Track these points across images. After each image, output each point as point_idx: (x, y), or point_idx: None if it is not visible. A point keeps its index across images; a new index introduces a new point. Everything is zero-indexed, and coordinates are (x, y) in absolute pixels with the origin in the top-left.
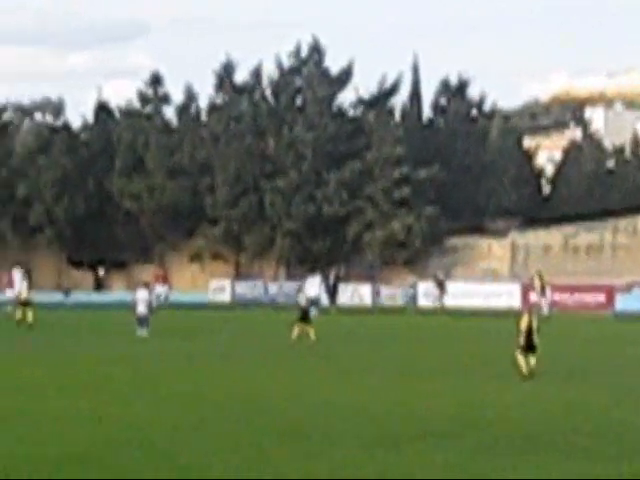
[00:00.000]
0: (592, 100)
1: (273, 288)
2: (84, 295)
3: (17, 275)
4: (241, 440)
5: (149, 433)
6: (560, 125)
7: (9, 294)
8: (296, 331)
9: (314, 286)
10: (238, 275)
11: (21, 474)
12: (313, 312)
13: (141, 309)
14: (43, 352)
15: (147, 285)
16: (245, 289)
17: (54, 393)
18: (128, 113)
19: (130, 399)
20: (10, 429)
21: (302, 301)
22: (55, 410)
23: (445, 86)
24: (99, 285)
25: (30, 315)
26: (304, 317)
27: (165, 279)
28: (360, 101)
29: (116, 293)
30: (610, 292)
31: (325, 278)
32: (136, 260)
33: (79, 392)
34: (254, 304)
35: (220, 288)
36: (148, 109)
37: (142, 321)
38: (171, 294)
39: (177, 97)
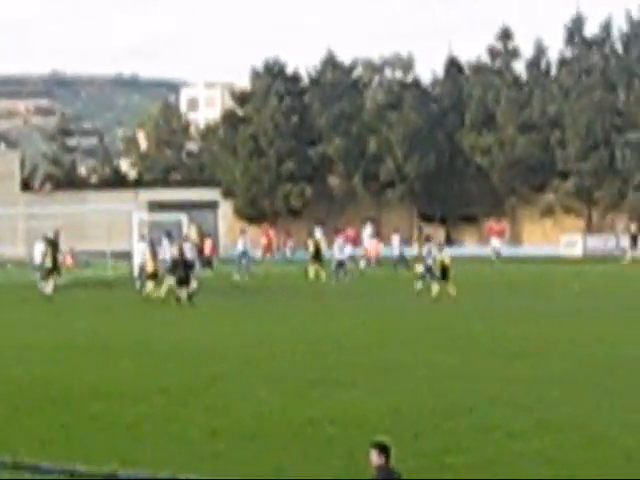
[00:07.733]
0: None
1: (625, 242)
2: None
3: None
4: None
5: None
6: None
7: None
8: None
9: None
10: (589, 229)
11: (406, 424)
12: None
13: None
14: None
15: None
16: (597, 243)
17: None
18: (478, 68)
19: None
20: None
21: None
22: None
23: None
24: (450, 239)
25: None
26: None
27: (502, 233)
28: None
29: (467, 247)
30: None
31: None
32: (487, 214)
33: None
34: (606, 258)
35: (572, 242)
36: (498, 64)
37: None
38: (522, 248)
39: (527, 51)
